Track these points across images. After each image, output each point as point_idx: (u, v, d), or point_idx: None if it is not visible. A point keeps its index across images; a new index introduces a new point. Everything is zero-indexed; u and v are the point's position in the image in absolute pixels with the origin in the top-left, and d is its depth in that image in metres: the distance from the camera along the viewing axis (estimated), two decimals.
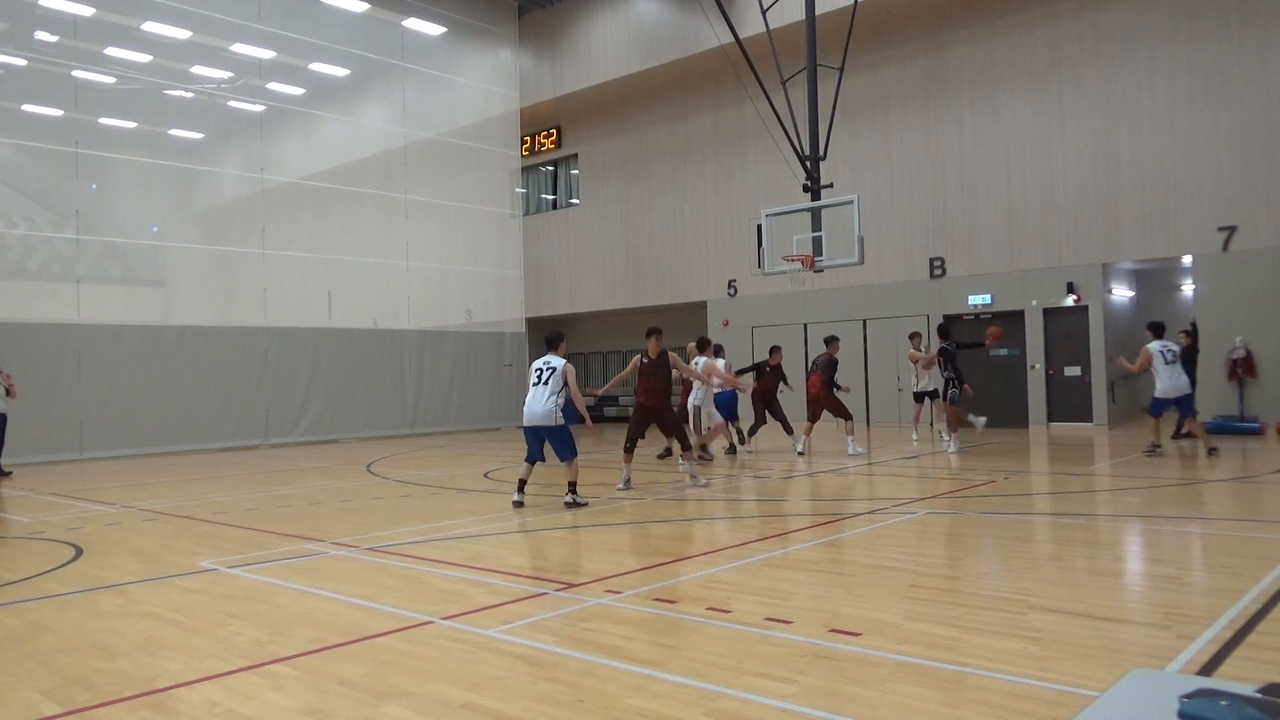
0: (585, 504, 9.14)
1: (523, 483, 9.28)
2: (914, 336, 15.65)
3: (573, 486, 9.16)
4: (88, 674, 4.17)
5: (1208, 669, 3.77)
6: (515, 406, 24.24)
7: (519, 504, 9.13)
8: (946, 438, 13.66)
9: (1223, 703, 1.89)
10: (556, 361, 9.30)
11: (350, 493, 10.99)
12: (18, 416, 14.66)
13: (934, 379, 15.44)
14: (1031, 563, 6.06)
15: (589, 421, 9.27)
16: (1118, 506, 8.40)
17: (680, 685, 3.75)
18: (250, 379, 19.39)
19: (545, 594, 5.42)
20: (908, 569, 5.91)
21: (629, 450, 10.30)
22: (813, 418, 14.07)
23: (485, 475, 12.55)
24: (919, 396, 15.63)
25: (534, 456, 9.24)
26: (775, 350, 14.89)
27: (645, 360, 10.37)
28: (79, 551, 7.41)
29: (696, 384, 12.65)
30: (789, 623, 4.60)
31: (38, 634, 4.90)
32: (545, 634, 4.59)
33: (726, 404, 15.21)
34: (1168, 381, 11.96)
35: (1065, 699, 3.45)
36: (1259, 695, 1.97)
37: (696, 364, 12.85)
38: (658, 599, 5.18)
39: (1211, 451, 11.92)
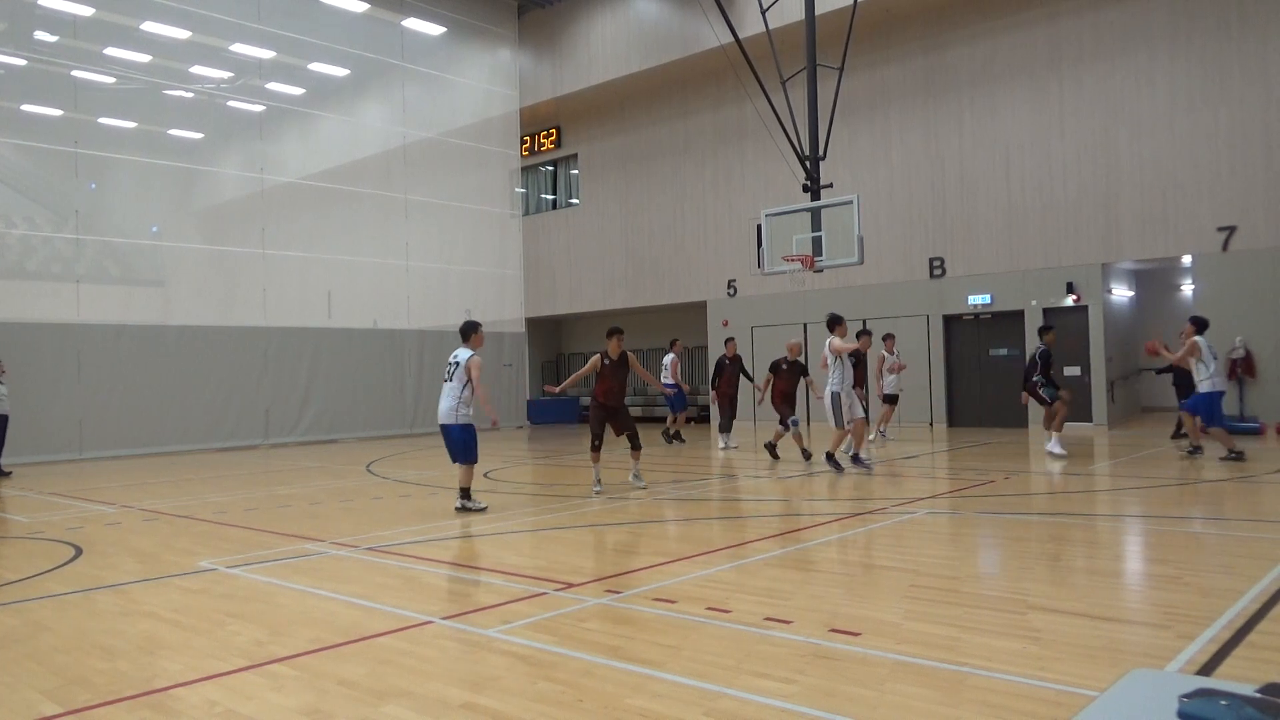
0: (483, 508, 8.91)
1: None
2: (888, 339, 15.54)
3: (464, 492, 8.94)
4: (87, 674, 4.17)
5: (1207, 669, 3.77)
6: (516, 406, 24.36)
7: (459, 509, 8.98)
8: (1053, 446, 12.53)
9: (1222, 702, 1.89)
10: (462, 354, 8.98)
11: (350, 493, 10.99)
12: (17, 416, 14.66)
13: (894, 383, 15.39)
14: (1031, 563, 6.06)
15: (495, 420, 9.22)
16: (1118, 506, 8.40)
17: (680, 685, 3.75)
18: (250, 379, 19.40)
19: (545, 594, 5.42)
20: (908, 569, 5.91)
21: (596, 449, 10.13)
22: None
23: (485, 475, 12.55)
24: (888, 399, 15.46)
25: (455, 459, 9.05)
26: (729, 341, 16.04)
27: (606, 361, 10.10)
28: (78, 551, 7.40)
29: (834, 370, 11.44)
30: (789, 623, 4.60)
31: (37, 634, 4.89)
32: (545, 634, 4.58)
33: (677, 398, 16.92)
34: (1220, 375, 11.52)
35: (1065, 699, 3.45)
36: (1258, 695, 1.97)
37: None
38: (658, 599, 5.18)
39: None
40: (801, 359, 13.36)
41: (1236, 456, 11.20)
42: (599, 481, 10.13)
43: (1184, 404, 12.50)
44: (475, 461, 9.04)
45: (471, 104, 24.02)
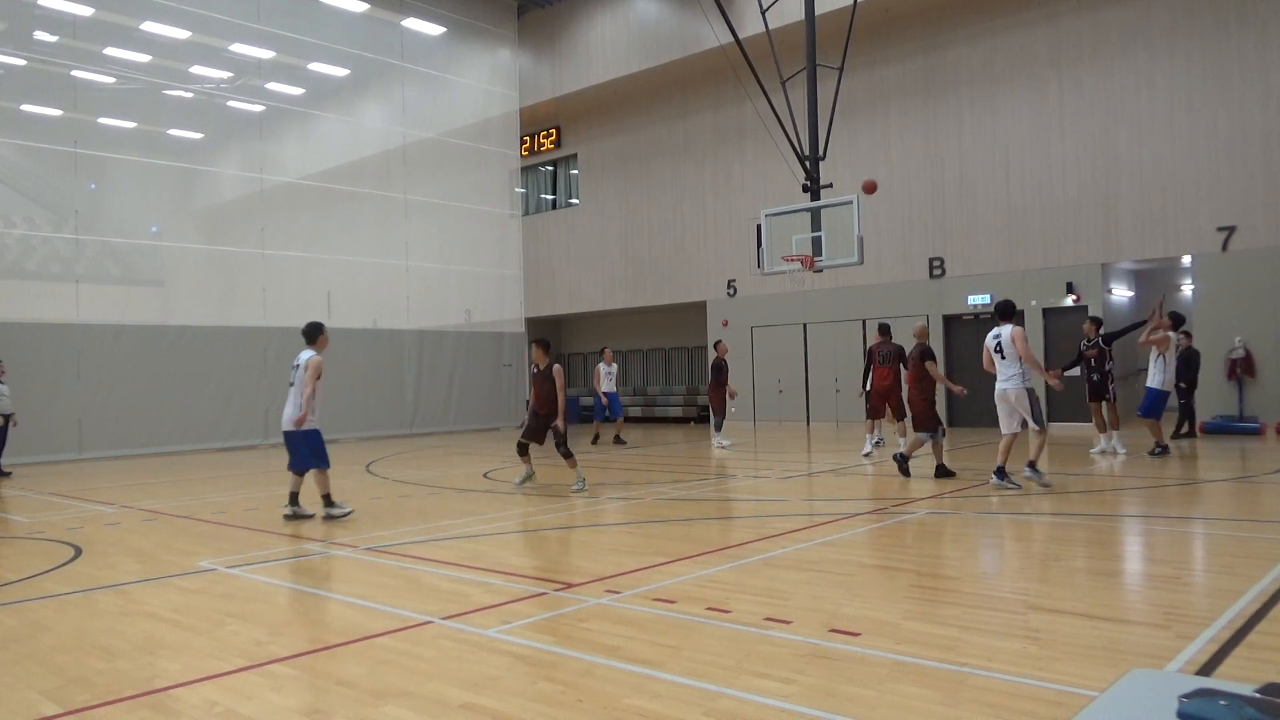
0: (348, 513, 8.64)
1: (294, 495, 8.79)
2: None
3: (326, 499, 8.60)
4: (87, 674, 4.17)
5: (1207, 669, 3.77)
6: (515, 407, 24.34)
7: (288, 516, 8.65)
8: (1114, 445, 12.41)
9: (1222, 702, 1.89)
10: (304, 356, 8.65)
11: (350, 493, 10.98)
12: (18, 416, 14.65)
13: None
14: (1031, 563, 6.06)
15: (301, 420, 8.53)
16: (1118, 506, 8.40)
17: (679, 685, 3.75)
18: (249, 379, 19.38)
19: (545, 594, 5.42)
20: (908, 569, 5.91)
21: (526, 450, 10.45)
22: (878, 414, 13.26)
23: (484, 475, 12.55)
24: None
25: (291, 465, 8.71)
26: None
27: (535, 370, 10.32)
28: (78, 551, 7.40)
29: (1013, 365, 9.52)
30: (788, 623, 4.60)
31: (37, 634, 4.89)
32: (545, 634, 4.58)
33: (610, 403, 16.90)
34: (1169, 375, 12.10)
35: (1065, 699, 3.45)
36: (1258, 695, 1.97)
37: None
38: (657, 599, 5.18)
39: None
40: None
41: (1163, 450, 12.01)
42: (529, 477, 10.46)
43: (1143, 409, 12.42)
44: (328, 466, 8.73)
45: (471, 104, 24.01)
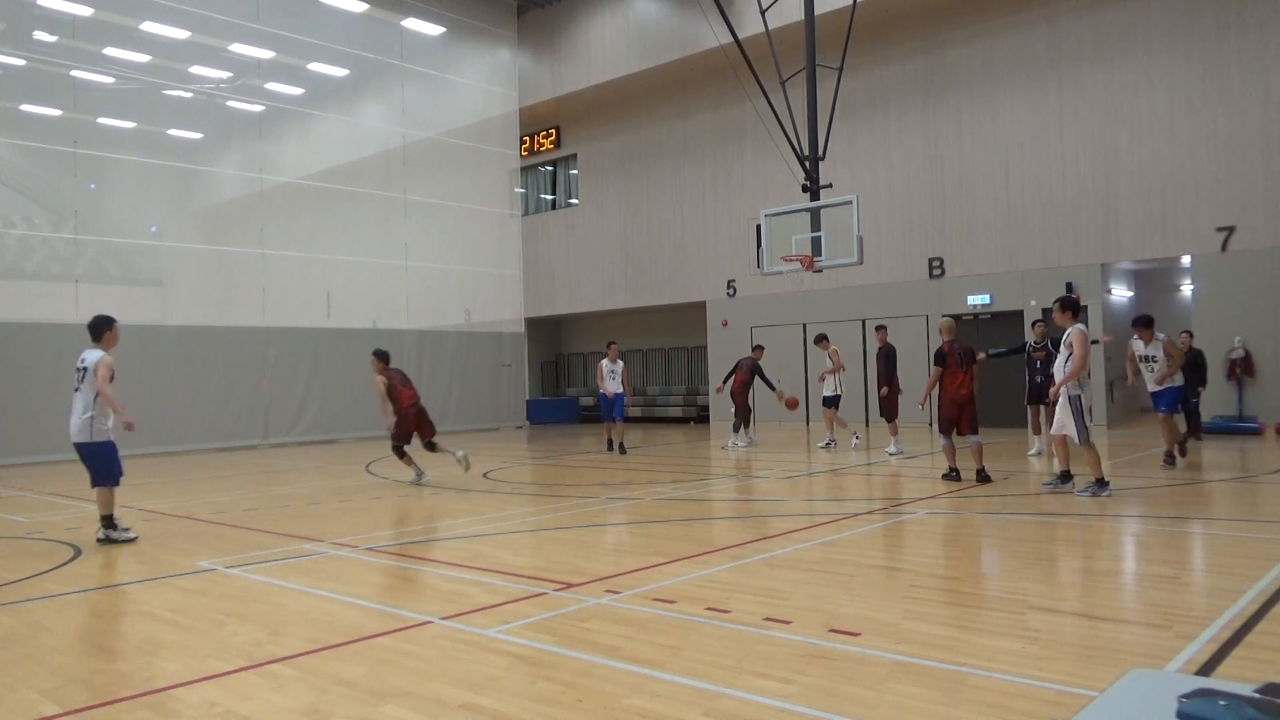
0: (132, 539, 7.69)
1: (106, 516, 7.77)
2: (821, 340, 15.04)
3: (107, 520, 7.65)
4: (86, 674, 4.17)
5: (1206, 669, 3.77)
6: (515, 407, 24.36)
7: (101, 540, 7.66)
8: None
9: (1221, 702, 1.90)
10: (91, 357, 7.56)
11: (349, 493, 10.99)
12: (17, 416, 14.67)
13: (831, 385, 14.76)
14: (1031, 563, 6.06)
15: (126, 424, 7.47)
16: (1117, 506, 8.40)
17: (679, 685, 3.75)
18: (249, 379, 19.38)
19: (544, 594, 5.42)
20: (907, 569, 5.91)
21: (404, 452, 11.61)
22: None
23: (484, 475, 12.55)
24: (828, 401, 14.80)
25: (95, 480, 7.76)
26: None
27: (400, 375, 11.79)
28: (77, 551, 7.40)
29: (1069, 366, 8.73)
30: (788, 623, 4.60)
31: (36, 634, 4.89)
32: (544, 634, 4.58)
33: (611, 405, 15.34)
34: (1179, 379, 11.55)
35: (1064, 699, 3.45)
36: (1257, 695, 1.97)
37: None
38: (657, 599, 5.18)
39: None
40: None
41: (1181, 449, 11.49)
42: (422, 473, 11.44)
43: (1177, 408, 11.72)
44: (117, 483, 7.79)
45: (471, 104, 24.01)
